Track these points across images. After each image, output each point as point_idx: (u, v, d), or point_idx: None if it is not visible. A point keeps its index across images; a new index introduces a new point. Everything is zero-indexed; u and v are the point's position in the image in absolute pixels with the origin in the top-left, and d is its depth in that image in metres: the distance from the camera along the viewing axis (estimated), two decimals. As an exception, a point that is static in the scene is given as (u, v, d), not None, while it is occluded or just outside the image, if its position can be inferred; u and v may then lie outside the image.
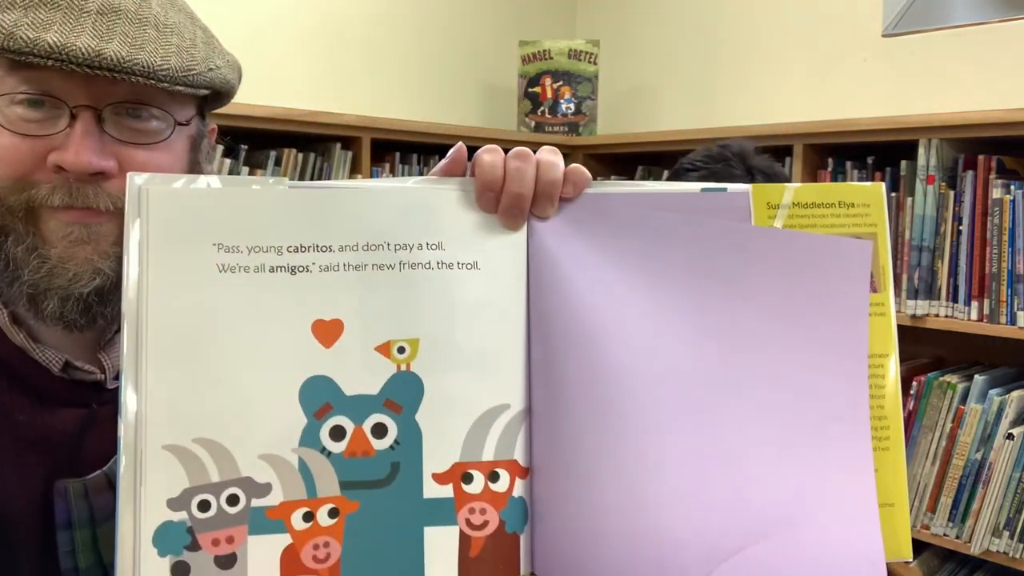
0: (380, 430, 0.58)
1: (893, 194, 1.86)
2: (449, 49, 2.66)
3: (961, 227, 1.76)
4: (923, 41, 2.14)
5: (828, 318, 0.62)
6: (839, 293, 0.62)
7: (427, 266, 0.60)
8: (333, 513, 0.57)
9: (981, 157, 1.74)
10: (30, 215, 0.69)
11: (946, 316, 1.78)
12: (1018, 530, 1.66)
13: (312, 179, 2.00)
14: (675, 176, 1.30)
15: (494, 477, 0.60)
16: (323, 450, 0.57)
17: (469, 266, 0.60)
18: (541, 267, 0.61)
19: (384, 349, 0.59)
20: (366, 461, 0.58)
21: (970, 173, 1.75)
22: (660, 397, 0.60)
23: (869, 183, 0.64)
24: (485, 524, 0.60)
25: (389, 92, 2.51)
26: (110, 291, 0.71)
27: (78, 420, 0.75)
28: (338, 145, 2.05)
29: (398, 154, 2.21)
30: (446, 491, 0.59)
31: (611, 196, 0.62)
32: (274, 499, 0.56)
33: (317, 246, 0.58)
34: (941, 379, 1.79)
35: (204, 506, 0.55)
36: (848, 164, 1.97)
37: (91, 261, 0.70)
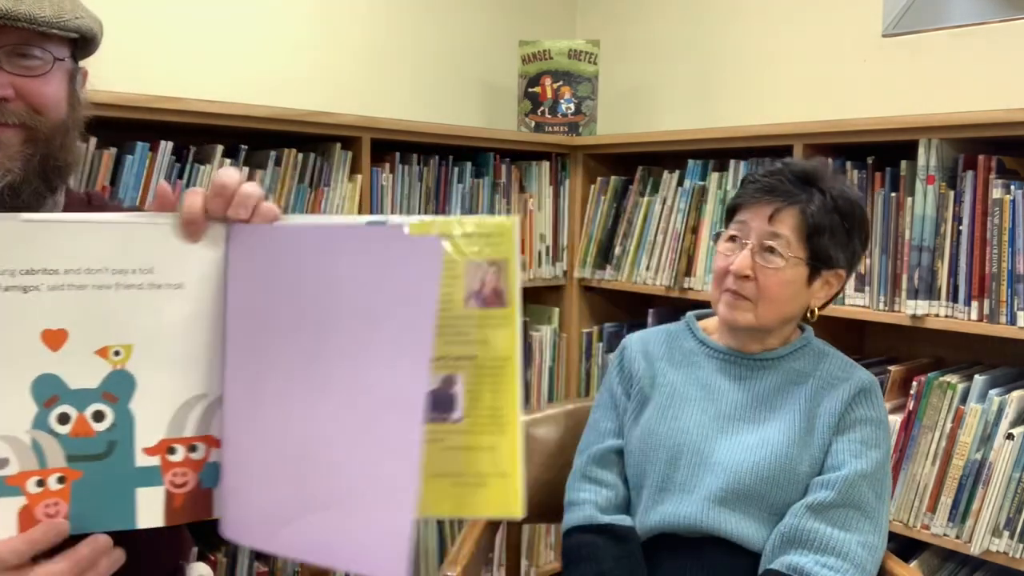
0: (99, 416, 0.76)
1: (893, 194, 1.86)
2: (449, 49, 2.66)
3: (961, 227, 1.76)
4: (923, 41, 2.14)
5: (400, 312, 0.71)
6: (411, 290, 0.71)
7: (140, 287, 0.76)
8: (61, 480, 0.74)
9: (981, 157, 1.74)
10: None
11: (946, 316, 1.78)
12: (1018, 530, 1.66)
13: (312, 179, 2.00)
14: (740, 185, 1.37)
15: (192, 448, 0.79)
16: (51, 431, 0.74)
17: (175, 286, 0.77)
18: (234, 285, 0.79)
19: (103, 352, 0.75)
20: (87, 440, 0.75)
21: (970, 173, 1.74)
22: (278, 385, 0.77)
23: (504, 217, 0.74)
24: (186, 483, 0.79)
25: (389, 92, 2.51)
26: (19, 186, 0.92)
27: None
28: (338, 145, 2.05)
29: (398, 154, 2.21)
30: (154, 460, 0.77)
31: (289, 228, 0.78)
32: (12, 470, 0.73)
33: (46, 269, 0.73)
34: (941, 379, 1.79)
35: None
36: (848, 164, 1.97)
37: (2, 163, 0.91)
